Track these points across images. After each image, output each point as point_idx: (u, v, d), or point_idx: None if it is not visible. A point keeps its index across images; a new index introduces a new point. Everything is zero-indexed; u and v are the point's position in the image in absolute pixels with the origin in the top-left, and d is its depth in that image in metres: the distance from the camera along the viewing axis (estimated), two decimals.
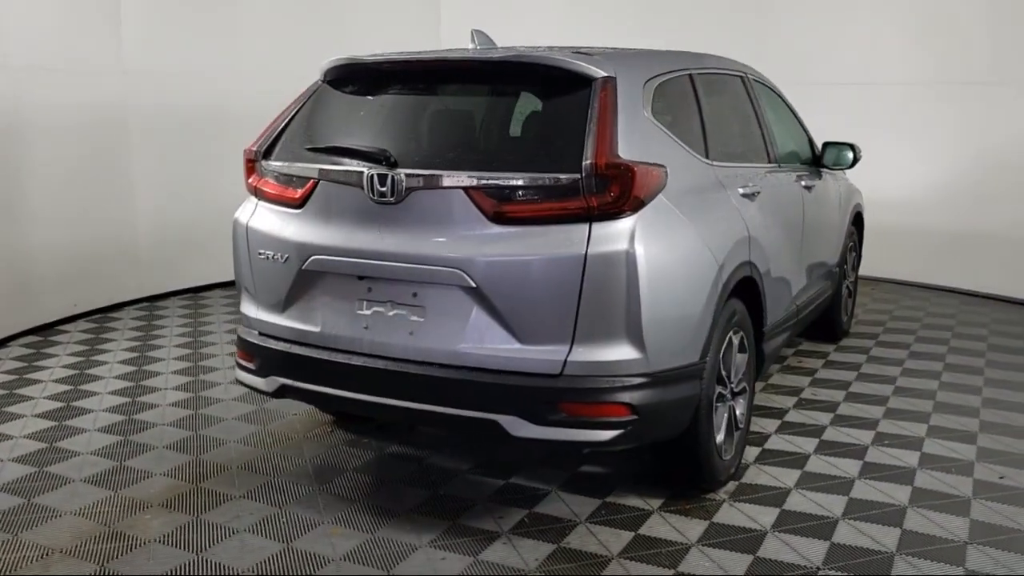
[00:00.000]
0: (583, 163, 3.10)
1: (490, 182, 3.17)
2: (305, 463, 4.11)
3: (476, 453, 4.23)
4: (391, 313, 3.37)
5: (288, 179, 3.61)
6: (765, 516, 3.61)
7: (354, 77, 3.73)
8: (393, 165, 3.31)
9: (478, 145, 3.49)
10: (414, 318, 3.33)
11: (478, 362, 3.23)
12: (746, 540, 3.41)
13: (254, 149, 3.75)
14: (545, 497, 3.78)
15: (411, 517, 3.59)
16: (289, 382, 3.59)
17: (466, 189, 3.20)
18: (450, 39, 9.12)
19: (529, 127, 3.42)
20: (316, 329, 3.53)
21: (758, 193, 4.12)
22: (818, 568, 3.21)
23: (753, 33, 7.82)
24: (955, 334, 6.39)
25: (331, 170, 3.46)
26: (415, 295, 3.33)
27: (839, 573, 3.18)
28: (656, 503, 3.73)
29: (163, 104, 7.31)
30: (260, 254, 3.65)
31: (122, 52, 7.07)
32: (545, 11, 9.03)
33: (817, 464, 4.12)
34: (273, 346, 3.65)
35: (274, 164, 3.67)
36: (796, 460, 4.16)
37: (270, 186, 3.68)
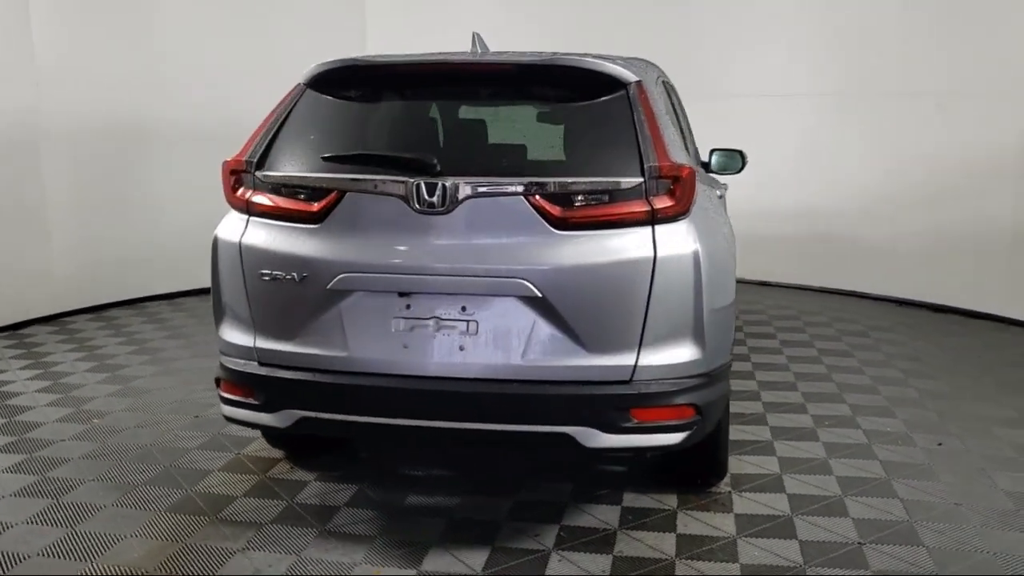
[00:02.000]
0: (645, 166, 3.09)
1: (553, 188, 3.08)
2: (290, 506, 3.74)
3: (449, 474, 4.08)
4: (436, 329, 3.17)
5: (297, 191, 3.28)
6: (778, 503, 3.77)
7: (359, 80, 3.46)
8: (437, 173, 3.12)
9: (525, 150, 3.36)
10: (465, 333, 3.16)
11: (542, 375, 3.12)
12: (779, 527, 3.55)
13: (244, 159, 3.37)
14: (566, 510, 3.71)
15: (447, 547, 3.41)
16: (310, 414, 3.27)
17: (527, 196, 3.08)
18: (376, 45, 8.95)
19: (572, 131, 3.34)
20: (342, 353, 3.23)
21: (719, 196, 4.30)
22: (859, 542, 3.40)
23: (670, 43, 7.81)
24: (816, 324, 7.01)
25: (365, 180, 3.18)
26: (464, 309, 3.16)
27: (879, 545, 3.38)
28: (671, 502, 3.78)
29: (78, 112, 7.12)
30: (264, 275, 3.29)
31: (34, 55, 6.78)
32: (468, 15, 8.92)
33: (784, 449, 4.36)
34: (284, 376, 3.30)
35: (275, 175, 3.32)
36: (763, 447, 4.37)
37: (270, 199, 3.32)
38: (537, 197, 3.09)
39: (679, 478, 3.92)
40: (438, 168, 3.13)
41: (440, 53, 3.52)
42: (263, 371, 3.34)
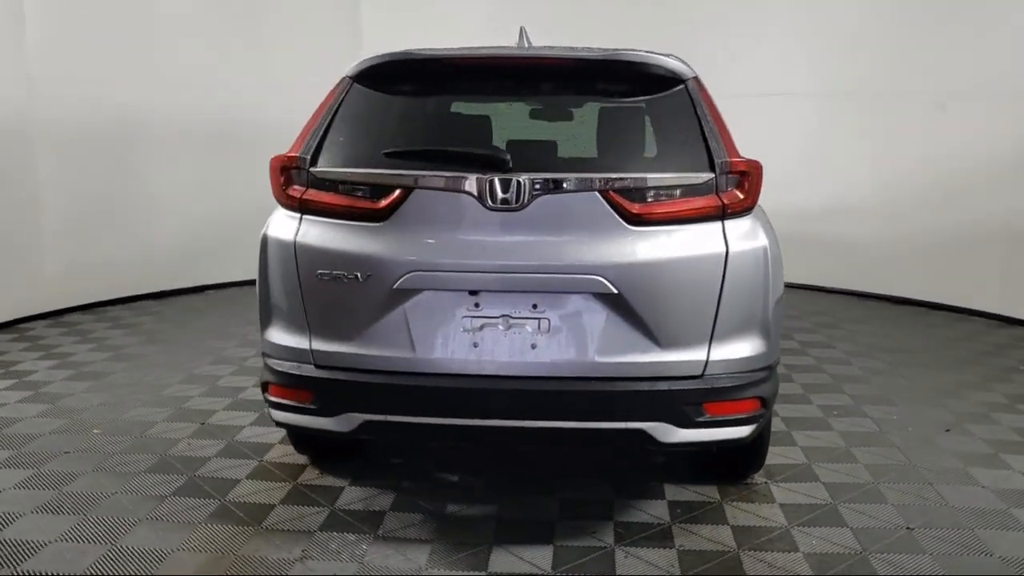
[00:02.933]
0: (716, 162, 3.11)
1: (628, 184, 3.07)
2: (335, 513, 3.64)
3: (483, 475, 4.04)
4: (507, 327, 3.13)
5: (356, 188, 3.18)
6: (817, 492, 3.86)
7: (413, 74, 3.38)
8: (509, 169, 3.07)
9: (594, 146, 3.33)
10: (536, 331, 3.13)
11: (616, 371, 3.11)
12: (826, 515, 3.63)
13: (297, 155, 3.26)
14: (613, 506, 3.71)
15: (507, 548, 3.36)
16: (375, 417, 3.18)
17: (603, 192, 3.07)
18: (371, 46, 8.70)
19: (637, 126, 3.33)
20: (408, 354, 3.16)
21: None
22: (907, 527, 3.50)
23: (663, 42, 7.85)
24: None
25: (435, 176, 3.11)
26: (535, 306, 3.12)
27: (927, 530, 3.49)
28: (713, 494, 3.83)
29: (70, 114, 7.06)
30: (322, 275, 3.19)
31: (25, 57, 6.68)
32: (464, 13, 8.90)
33: (804, 439, 4.46)
34: (346, 378, 3.20)
35: (335, 171, 3.22)
36: (783, 438, 4.47)
37: (328, 197, 3.22)
38: (612, 193, 3.07)
39: (718, 471, 3.96)
40: (510, 164, 3.08)
41: (492, 47, 3.48)
42: (321, 374, 3.24)
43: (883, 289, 7.85)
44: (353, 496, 3.77)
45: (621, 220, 3.08)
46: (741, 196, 3.15)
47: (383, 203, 3.15)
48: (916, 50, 7.35)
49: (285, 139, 8.73)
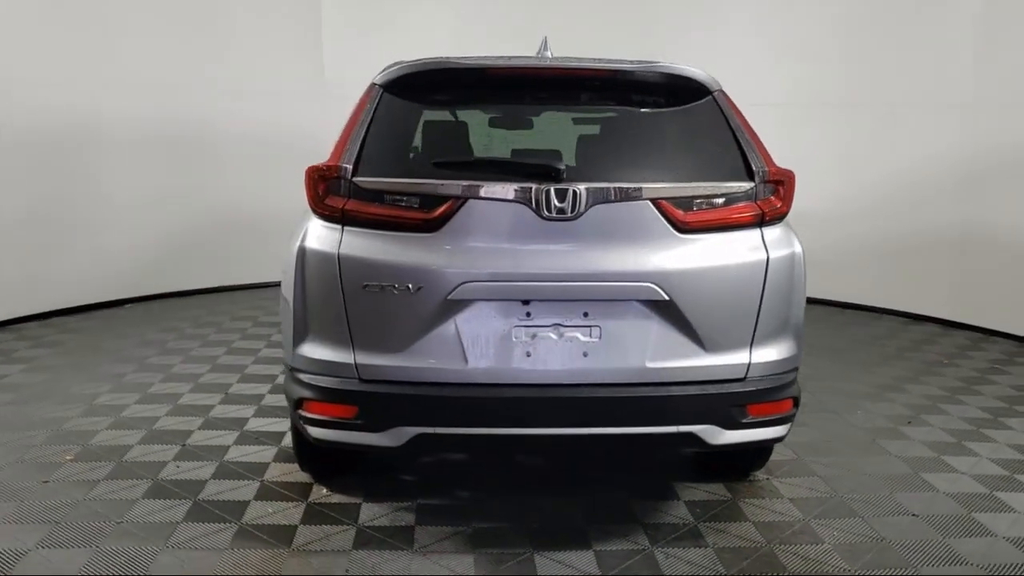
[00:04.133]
0: (755, 171, 3.24)
1: (678, 192, 3.15)
2: (363, 531, 3.56)
3: (497, 485, 4.05)
4: (560, 336, 3.15)
5: (404, 198, 3.13)
6: (819, 485, 4.06)
7: (448, 83, 3.35)
8: (563, 179, 3.10)
9: (641, 155, 3.38)
10: (588, 339, 3.16)
11: (666, 376, 3.19)
12: (835, 507, 3.83)
13: (339, 165, 3.18)
14: (636, 509, 3.79)
15: (547, 555, 3.38)
16: (427, 430, 3.14)
17: (654, 200, 3.14)
18: (332, 53, 8.79)
19: (674, 136, 3.40)
20: (460, 365, 3.14)
21: None
22: (914, 514, 3.74)
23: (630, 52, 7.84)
24: None
25: (491, 186, 3.10)
26: (586, 314, 3.16)
27: (930, 516, 3.74)
28: (722, 492, 3.97)
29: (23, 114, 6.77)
30: (370, 287, 3.12)
31: None
32: (426, 20, 8.78)
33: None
34: (396, 392, 3.15)
35: (382, 182, 3.15)
36: None
37: (375, 208, 3.15)
38: (662, 201, 3.15)
39: (721, 470, 4.09)
40: (565, 174, 3.11)
41: (528, 57, 3.49)
42: (367, 388, 3.17)
43: (829, 295, 8.06)
44: (373, 513, 3.69)
45: (671, 228, 3.16)
46: (778, 204, 3.28)
47: (436, 213, 3.11)
48: (869, 62, 7.63)
49: (245, 146, 8.56)
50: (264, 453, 4.31)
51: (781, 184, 3.28)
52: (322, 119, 8.77)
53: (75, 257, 7.38)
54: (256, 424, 4.71)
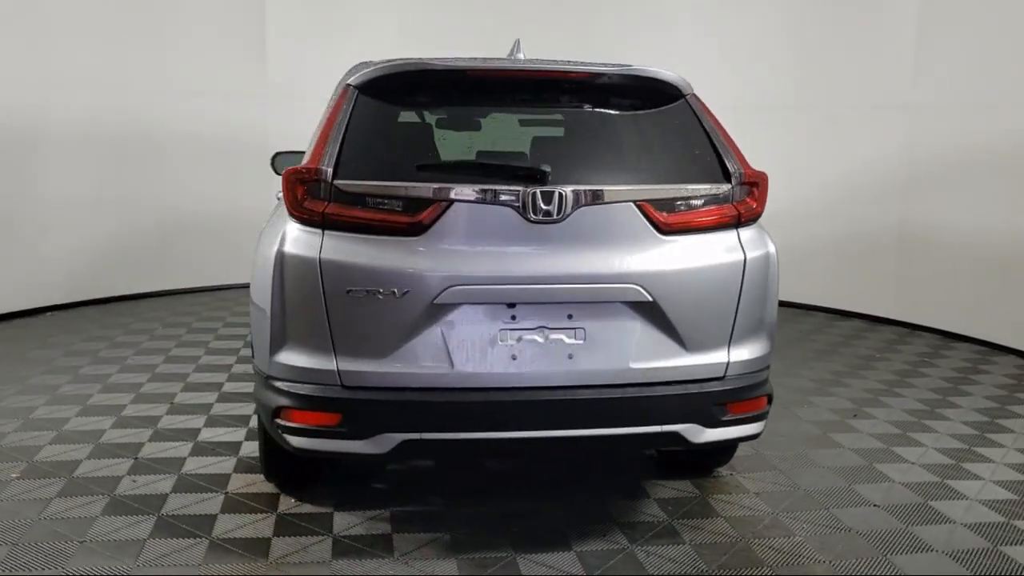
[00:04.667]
0: (731, 172, 3.30)
1: (660, 195, 3.19)
2: (340, 541, 3.49)
3: (466, 488, 4.03)
4: (545, 339, 3.15)
5: (389, 201, 3.08)
6: (780, 479, 4.16)
7: (426, 84, 3.31)
8: (548, 181, 3.11)
9: (621, 158, 3.38)
10: (573, 341, 3.17)
11: (650, 376, 3.22)
12: (801, 500, 3.94)
13: (321, 168, 3.11)
14: (610, 508, 3.82)
15: (530, 557, 3.38)
16: (413, 436, 3.10)
17: (637, 203, 3.17)
18: (275, 53, 8.61)
19: (649, 138, 3.42)
20: (446, 370, 3.11)
21: None
22: (875, 504, 3.87)
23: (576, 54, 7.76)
24: None
25: (477, 189, 3.07)
26: (571, 316, 3.17)
27: (891, 506, 3.88)
28: (689, 489, 4.04)
29: None
30: (353, 292, 3.06)
31: None
32: (373, 18, 8.64)
33: None
34: (381, 398, 3.10)
35: (366, 185, 3.09)
36: None
37: (357, 211, 3.09)
38: (645, 204, 3.18)
39: (688, 467, 4.16)
40: (550, 176, 3.11)
41: (505, 59, 3.47)
42: (351, 395, 3.11)
43: (821, 300, 8.16)
44: (347, 522, 3.62)
45: (653, 230, 3.19)
46: (753, 205, 3.35)
47: (421, 216, 3.07)
48: (815, 65, 7.79)
49: (186, 146, 8.33)
50: (223, 464, 4.18)
51: (755, 186, 3.35)
52: (266, 119, 8.64)
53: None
54: (209, 434, 4.57)
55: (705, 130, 3.39)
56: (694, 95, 3.50)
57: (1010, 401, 5.48)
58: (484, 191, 3.08)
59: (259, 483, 3.96)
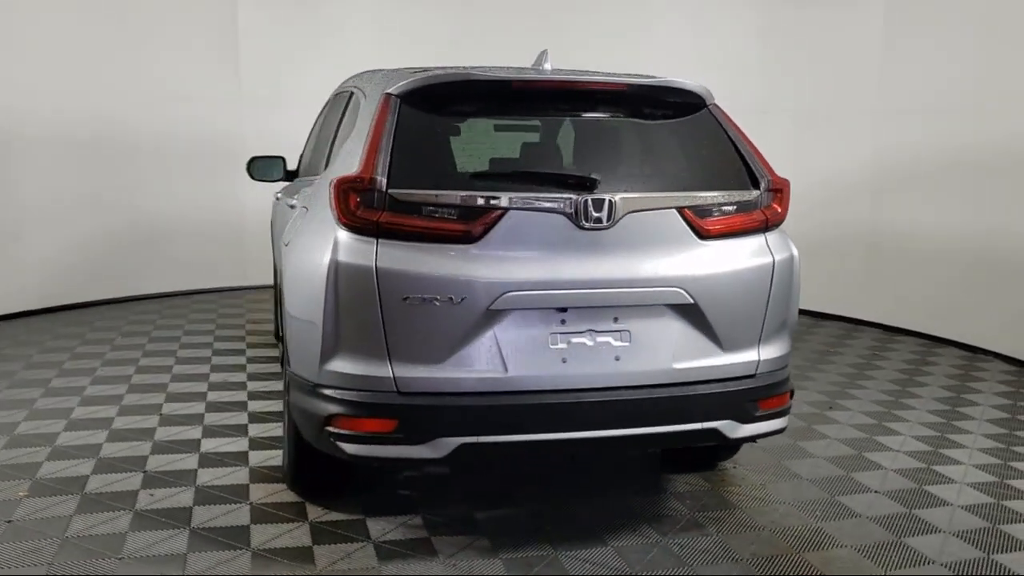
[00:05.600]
0: (759, 179, 3.47)
1: (700, 202, 3.33)
2: (382, 547, 3.51)
3: (491, 490, 4.11)
4: (593, 342, 3.26)
5: (444, 210, 3.14)
6: (783, 470, 4.38)
7: (470, 95, 3.36)
8: (598, 189, 3.21)
9: (661, 165, 3.50)
10: (619, 343, 3.29)
11: (690, 376, 3.36)
12: (807, 489, 4.15)
13: (373, 176, 3.13)
14: (628, 505, 3.95)
15: (574, 555, 3.48)
16: (471, 440, 3.16)
17: (679, 209, 3.30)
18: (248, 58, 8.46)
19: (681, 146, 3.55)
20: (500, 374, 3.18)
21: None
22: (875, 491, 4.11)
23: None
24: None
25: (531, 197, 3.15)
26: (616, 319, 3.29)
27: (880, 491, 4.12)
28: (699, 482, 4.21)
29: None
30: (410, 299, 3.11)
31: None
32: (347, 19, 8.51)
33: None
34: (437, 403, 3.15)
35: (423, 194, 3.13)
36: None
37: (412, 220, 3.13)
38: (687, 210, 3.32)
39: (693, 462, 4.32)
40: (599, 184, 3.21)
41: (544, 71, 3.56)
42: (407, 400, 3.15)
43: None
44: (382, 528, 3.64)
45: (694, 235, 3.33)
46: (779, 210, 3.53)
47: (476, 224, 3.13)
48: (784, 71, 7.99)
49: (165, 147, 8.12)
50: (237, 475, 4.13)
51: (780, 191, 3.53)
52: (239, 124, 8.48)
53: None
54: (212, 445, 4.50)
55: (730, 138, 3.55)
56: (715, 104, 3.65)
57: (963, 390, 5.85)
58: (538, 199, 3.16)
59: (280, 492, 3.94)
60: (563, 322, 3.23)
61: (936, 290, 7.18)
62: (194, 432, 4.68)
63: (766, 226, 3.50)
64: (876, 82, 7.53)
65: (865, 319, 7.82)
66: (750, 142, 3.58)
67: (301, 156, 5.79)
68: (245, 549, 3.42)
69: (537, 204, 3.16)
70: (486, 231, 3.14)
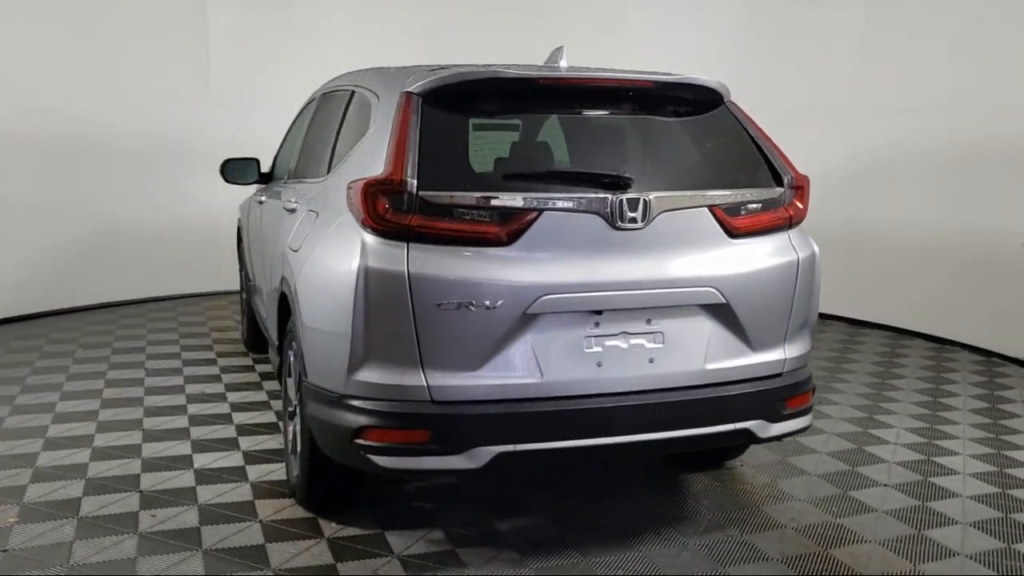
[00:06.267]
0: (783, 177, 3.45)
1: (729, 200, 3.30)
2: (409, 561, 3.39)
3: (511, 497, 4.02)
4: (627, 344, 3.20)
5: (478, 212, 3.04)
6: (789, 467, 4.40)
7: (495, 94, 3.27)
8: (628, 189, 3.15)
9: (688, 163, 3.45)
10: (652, 345, 3.24)
11: (722, 376, 3.33)
12: (817, 485, 4.17)
13: (404, 178, 3.01)
14: (652, 507, 3.91)
15: (606, 561, 3.41)
16: (509, 448, 3.07)
17: (710, 207, 3.26)
18: (218, 57, 8.18)
19: (703, 144, 3.51)
20: (536, 379, 3.10)
21: None
22: (884, 484, 4.15)
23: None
24: None
25: (566, 198, 3.07)
26: (649, 321, 3.23)
27: (889, 485, 4.16)
28: (713, 483, 4.19)
29: None
30: (444, 305, 3.00)
31: None
32: (318, 17, 8.27)
33: None
34: (471, 412, 3.05)
35: (454, 196, 3.02)
36: None
37: (445, 223, 3.03)
38: (717, 208, 3.28)
39: (700, 462, 4.30)
40: (633, 183, 3.15)
41: (567, 68, 3.49)
42: (442, 410, 3.04)
43: None
44: (403, 542, 3.51)
45: (724, 233, 3.30)
46: (801, 207, 3.52)
47: (511, 226, 3.04)
48: (764, 71, 7.97)
49: (132, 149, 7.83)
50: (239, 491, 3.96)
51: (801, 188, 3.52)
52: (209, 125, 8.20)
53: None
54: (205, 461, 4.31)
55: (750, 134, 3.52)
56: (732, 101, 3.62)
57: (940, 381, 5.97)
58: (575, 199, 3.08)
59: (289, 508, 3.79)
60: (597, 324, 3.16)
61: (904, 285, 7.32)
62: (183, 447, 4.48)
63: (790, 223, 3.48)
64: (850, 82, 7.59)
65: (834, 314, 7.93)
66: (769, 138, 3.56)
67: (276, 157, 5.61)
68: (265, 569, 3.27)
69: (573, 205, 3.08)
70: (520, 233, 3.05)
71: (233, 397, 5.34)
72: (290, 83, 7.03)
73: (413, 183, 3.00)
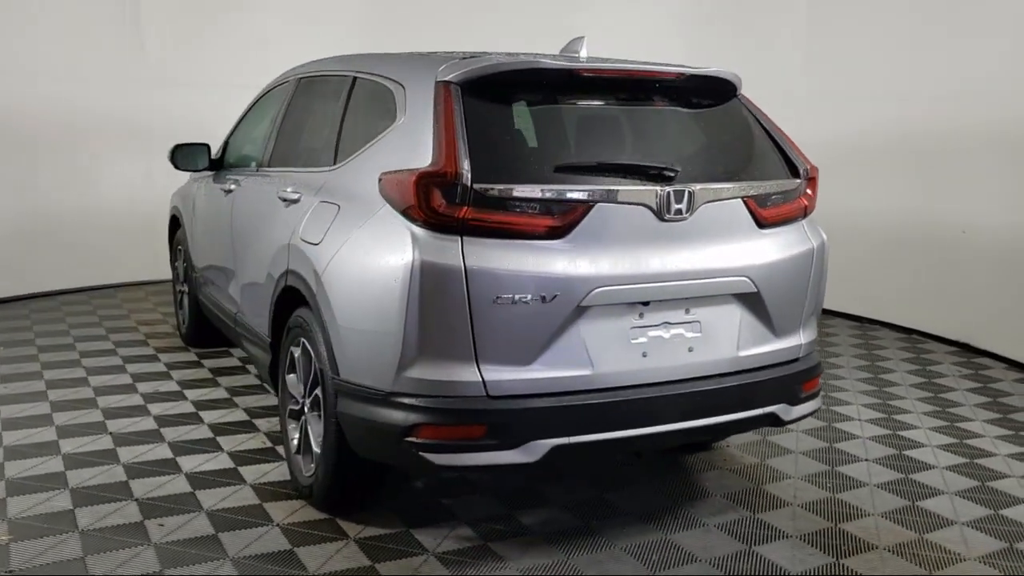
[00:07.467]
0: (800, 168, 3.58)
1: (759, 191, 3.39)
2: (445, 558, 3.36)
3: (529, 496, 4.03)
4: (668, 334, 3.26)
5: (532, 204, 3.01)
6: (777, 448, 4.56)
7: (534, 84, 3.23)
8: (672, 181, 3.20)
9: (713, 155, 3.48)
10: (691, 334, 3.30)
11: (753, 363, 3.44)
12: (806, 464, 4.33)
13: (458, 171, 2.95)
14: (659, 492, 3.99)
15: (631, 552, 3.47)
16: (564, 441, 3.07)
17: (744, 199, 3.34)
18: (154, 37, 7.75)
19: (725, 135, 3.57)
20: (587, 371, 3.12)
21: None
22: (864, 458, 4.38)
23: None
24: None
25: (618, 191, 3.08)
26: (688, 311, 3.30)
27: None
28: (714, 463, 4.33)
29: None
30: (501, 300, 2.97)
31: None
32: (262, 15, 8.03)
33: None
34: (526, 405, 3.04)
35: (507, 188, 2.98)
36: None
37: (500, 216, 2.99)
38: (750, 199, 3.37)
39: (692, 443, 4.40)
40: (678, 175, 3.20)
41: (602, 59, 3.50)
42: (498, 404, 3.01)
43: None
44: (432, 540, 3.45)
45: (755, 224, 3.39)
46: (813, 197, 3.65)
47: (566, 219, 3.03)
48: (713, 59, 8.11)
49: (60, 133, 7.33)
50: (241, 495, 3.80)
51: (813, 179, 3.65)
52: (144, 107, 7.73)
53: None
54: (192, 464, 4.11)
55: (764, 126, 3.62)
56: (742, 92, 3.72)
57: (874, 359, 6.32)
58: (626, 191, 3.10)
59: (302, 510, 3.67)
60: (641, 315, 3.20)
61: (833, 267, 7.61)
62: (162, 451, 4.26)
63: (805, 213, 3.61)
64: (802, 71, 7.75)
65: None
66: (780, 129, 3.67)
67: (228, 143, 5.36)
68: (304, 573, 3.15)
69: (625, 197, 3.10)
70: (574, 225, 3.04)
71: (192, 395, 5.10)
72: (231, 61, 6.72)
73: (468, 175, 2.95)
